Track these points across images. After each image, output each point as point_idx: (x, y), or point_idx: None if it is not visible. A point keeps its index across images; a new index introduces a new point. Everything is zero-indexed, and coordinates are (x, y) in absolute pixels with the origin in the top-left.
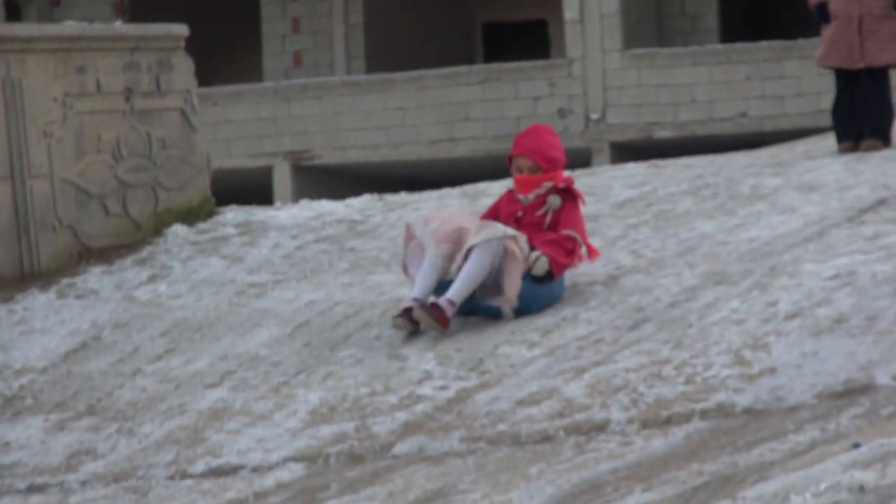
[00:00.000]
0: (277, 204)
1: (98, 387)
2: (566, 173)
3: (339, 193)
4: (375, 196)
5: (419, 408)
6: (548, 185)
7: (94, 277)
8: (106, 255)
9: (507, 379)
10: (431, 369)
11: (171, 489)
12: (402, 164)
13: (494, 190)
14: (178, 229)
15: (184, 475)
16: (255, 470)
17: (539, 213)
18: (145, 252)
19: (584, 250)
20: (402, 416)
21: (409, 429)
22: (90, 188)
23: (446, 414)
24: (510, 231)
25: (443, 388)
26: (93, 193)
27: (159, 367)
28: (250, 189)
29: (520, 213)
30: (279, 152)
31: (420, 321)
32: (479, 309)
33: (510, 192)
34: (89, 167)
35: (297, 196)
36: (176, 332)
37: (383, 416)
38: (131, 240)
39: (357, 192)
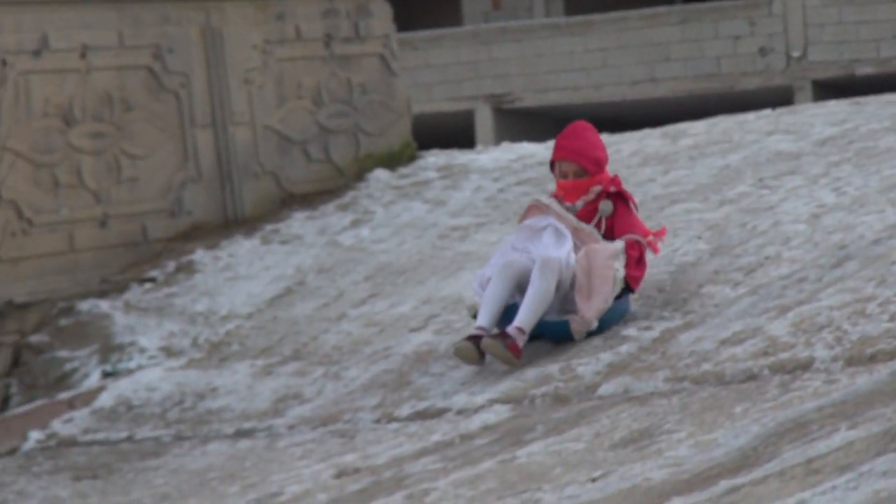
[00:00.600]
0: (479, 147)
1: (303, 332)
2: (611, 172)
3: (540, 136)
4: None
5: (623, 348)
6: (597, 189)
7: (298, 223)
8: (309, 200)
9: (711, 318)
10: (635, 310)
11: (378, 432)
12: (603, 106)
13: (695, 130)
14: (380, 174)
15: (390, 418)
16: (461, 412)
17: (593, 223)
18: (348, 197)
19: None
20: (606, 356)
21: (613, 369)
22: (292, 134)
23: (650, 354)
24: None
25: (647, 328)
26: (294, 140)
27: (363, 311)
28: (451, 133)
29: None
30: (480, 96)
31: (493, 356)
32: (544, 329)
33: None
34: (290, 114)
35: (499, 139)
36: (379, 277)
37: (587, 357)
38: (333, 185)
39: (558, 134)
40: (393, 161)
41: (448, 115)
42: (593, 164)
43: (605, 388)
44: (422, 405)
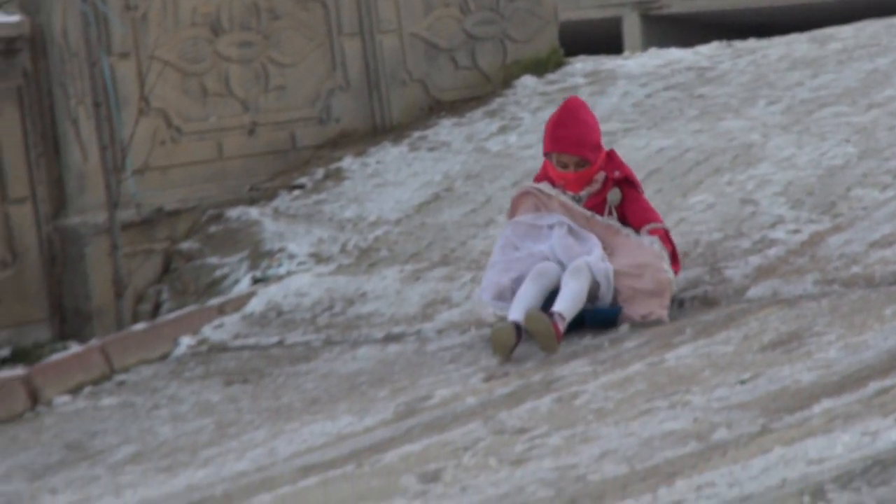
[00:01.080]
0: (626, 53)
1: (451, 237)
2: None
3: (687, 41)
4: (724, 43)
5: (772, 252)
6: (601, 177)
7: (445, 130)
8: (456, 107)
9: (860, 221)
10: (784, 213)
11: None
12: (751, 12)
13: (843, 34)
14: (527, 80)
15: None
16: None
17: (606, 216)
18: (495, 104)
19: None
20: (755, 260)
21: (762, 273)
22: (439, 42)
23: (799, 257)
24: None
25: (795, 231)
26: (442, 47)
27: None
28: (599, 40)
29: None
30: (628, 2)
31: (533, 334)
32: (591, 316)
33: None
34: (437, 21)
35: (646, 45)
36: (526, 182)
37: (736, 260)
38: (481, 92)
39: (705, 40)
40: (540, 67)
41: (595, 23)
42: (593, 151)
43: (754, 292)
44: None
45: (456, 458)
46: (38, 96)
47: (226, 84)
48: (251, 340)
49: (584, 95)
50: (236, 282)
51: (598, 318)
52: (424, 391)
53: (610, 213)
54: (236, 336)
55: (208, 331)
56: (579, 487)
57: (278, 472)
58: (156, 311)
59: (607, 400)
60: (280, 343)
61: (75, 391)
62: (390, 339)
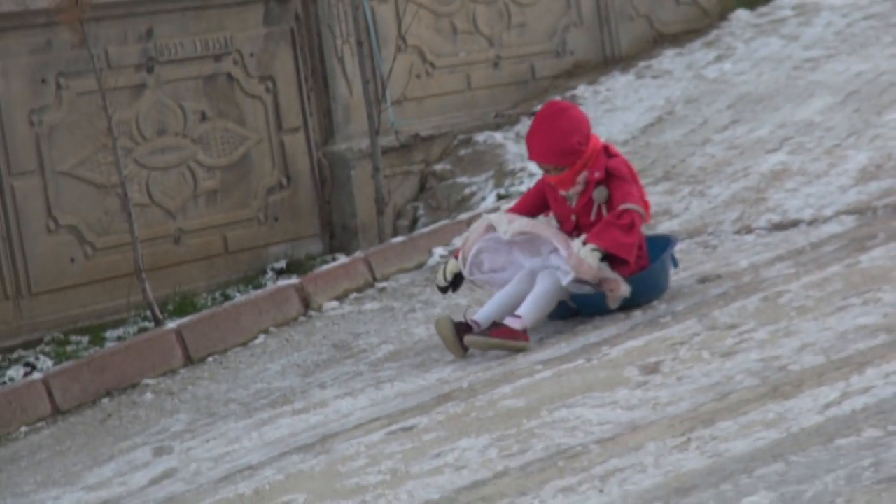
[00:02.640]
0: None
1: (673, 155)
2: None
3: None
4: None
5: None
6: (583, 176)
7: (668, 59)
8: (677, 39)
9: None
10: None
11: (737, 242)
12: None
13: None
14: (741, 14)
15: (748, 230)
16: (811, 223)
17: (593, 215)
18: (712, 35)
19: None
20: None
21: None
22: None
23: None
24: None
25: None
26: None
27: (725, 135)
28: None
29: (573, 217)
30: None
31: (472, 346)
32: (580, 304)
33: (551, 187)
34: None
35: None
36: (740, 105)
37: None
38: (699, 25)
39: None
40: (753, 2)
41: None
42: (566, 157)
43: None
44: (776, 218)
45: (673, 352)
46: (309, 37)
47: (473, 23)
48: None
49: (791, 26)
50: (483, 198)
51: (588, 305)
52: None
53: (599, 211)
54: None
55: (458, 242)
56: (781, 376)
57: (517, 366)
58: (413, 225)
59: (808, 298)
60: None
61: (342, 297)
62: None
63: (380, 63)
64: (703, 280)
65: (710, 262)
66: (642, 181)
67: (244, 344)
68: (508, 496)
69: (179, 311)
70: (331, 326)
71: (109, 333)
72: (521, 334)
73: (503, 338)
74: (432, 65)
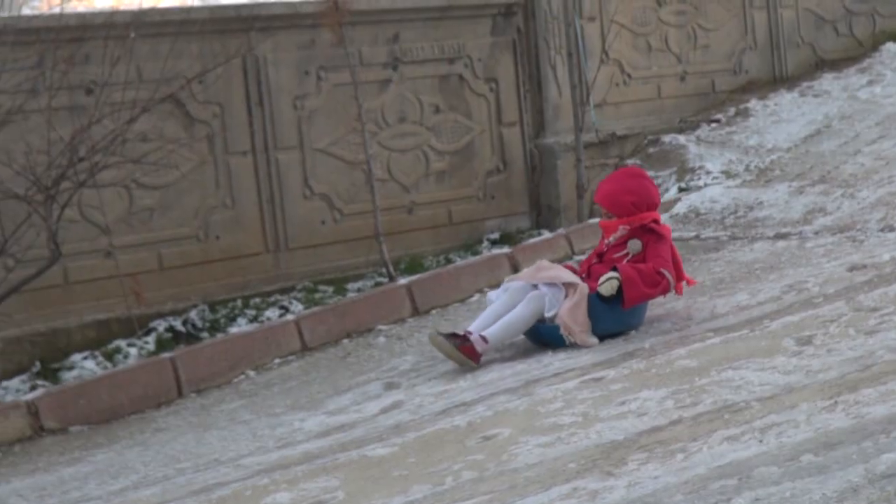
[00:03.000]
0: None
1: (828, 162)
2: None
3: None
4: None
5: None
6: (624, 229)
7: (827, 81)
8: (836, 64)
9: None
10: None
11: (881, 238)
12: None
13: None
14: (891, 46)
15: (890, 228)
16: None
17: (618, 255)
18: (865, 63)
19: (671, 282)
20: None
21: None
22: (825, 15)
23: None
24: (568, 278)
25: None
26: (826, 19)
27: (874, 148)
28: None
29: (604, 250)
30: None
31: (436, 347)
32: (543, 335)
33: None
34: (822, 0)
35: None
36: (887, 122)
37: None
38: (855, 53)
39: None
40: None
41: None
42: (618, 208)
43: None
44: None
45: (824, 328)
46: (527, 47)
47: (665, 42)
48: (676, 234)
49: None
50: (666, 190)
51: (546, 335)
52: (802, 277)
53: (624, 257)
54: None
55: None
56: None
57: (691, 333)
58: None
59: None
60: (696, 237)
61: None
62: (779, 237)
63: (586, 72)
64: (851, 269)
65: (857, 254)
66: (800, 182)
67: (462, 300)
68: (681, 441)
69: (409, 270)
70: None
71: (350, 285)
72: (475, 356)
73: (463, 354)
74: (629, 76)
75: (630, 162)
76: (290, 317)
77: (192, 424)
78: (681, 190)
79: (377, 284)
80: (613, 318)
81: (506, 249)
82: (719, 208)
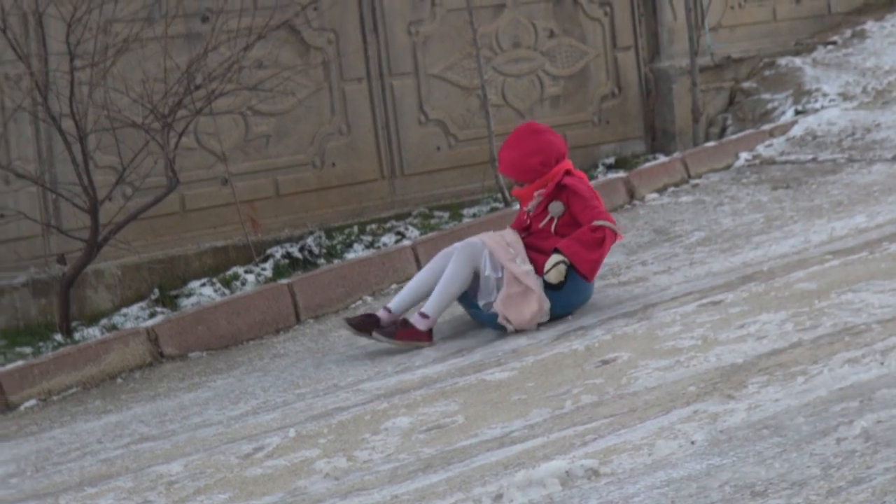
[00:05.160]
0: None
1: None
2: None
3: None
4: None
5: None
6: (539, 194)
7: None
8: None
9: None
10: None
11: None
12: None
13: None
14: None
15: None
16: None
17: (543, 223)
18: None
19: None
20: None
21: None
22: None
23: None
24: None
25: None
26: None
27: None
28: None
29: (527, 222)
30: None
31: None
32: (482, 319)
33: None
34: None
35: None
36: None
37: None
38: None
39: None
40: None
41: None
42: (526, 174)
43: None
44: None
45: None
46: None
47: None
48: (792, 157)
49: None
50: (783, 113)
51: (482, 318)
52: None
53: (550, 223)
54: (781, 153)
55: (761, 149)
56: None
57: (810, 255)
58: (722, 133)
59: None
60: (814, 159)
61: (661, 190)
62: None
63: None
64: None
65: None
66: None
67: None
68: (801, 363)
69: None
70: (651, 214)
71: (466, 211)
72: (425, 335)
73: (406, 339)
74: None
75: (746, 85)
76: (406, 242)
77: (310, 350)
78: (797, 112)
79: (492, 210)
80: (562, 302)
81: (621, 174)
82: (836, 130)
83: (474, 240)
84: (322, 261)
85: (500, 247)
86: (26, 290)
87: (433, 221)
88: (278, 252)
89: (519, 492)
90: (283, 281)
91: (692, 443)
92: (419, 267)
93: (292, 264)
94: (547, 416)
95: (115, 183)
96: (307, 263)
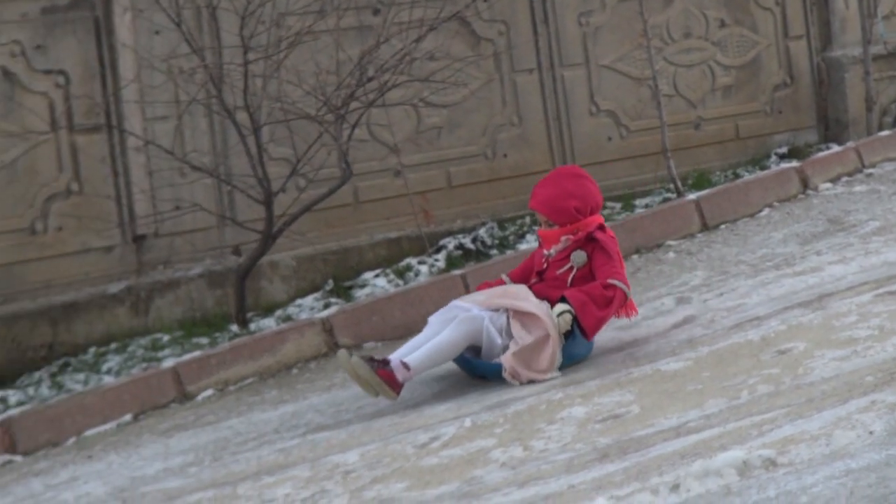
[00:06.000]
0: None
1: None
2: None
3: None
4: None
5: None
6: (567, 239)
7: None
8: None
9: None
10: None
11: None
12: None
13: None
14: None
15: None
16: None
17: (561, 271)
18: None
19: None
20: None
21: None
22: None
23: None
24: (526, 307)
25: None
26: None
27: None
28: None
29: (543, 266)
30: None
31: (351, 370)
32: (481, 369)
33: (540, 246)
34: None
35: None
36: None
37: None
38: None
39: None
40: None
41: None
42: (559, 215)
43: None
44: None
45: None
46: None
47: None
48: None
49: None
50: None
51: (482, 369)
52: None
53: (568, 272)
54: None
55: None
56: None
57: None
58: (895, 122)
59: None
60: None
61: (834, 180)
62: None
63: None
64: None
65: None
66: None
67: (751, 215)
68: None
69: (697, 186)
70: (825, 203)
71: (638, 201)
72: (397, 385)
73: (382, 380)
74: None
75: None
76: None
77: None
78: None
79: (665, 200)
80: (566, 354)
81: (794, 163)
82: None
83: (476, 314)
84: (494, 251)
85: (503, 296)
86: (202, 282)
87: (605, 212)
88: (451, 243)
89: (696, 482)
90: (456, 272)
91: (871, 433)
92: None
93: (465, 255)
94: (723, 406)
95: (289, 175)
96: (479, 254)
